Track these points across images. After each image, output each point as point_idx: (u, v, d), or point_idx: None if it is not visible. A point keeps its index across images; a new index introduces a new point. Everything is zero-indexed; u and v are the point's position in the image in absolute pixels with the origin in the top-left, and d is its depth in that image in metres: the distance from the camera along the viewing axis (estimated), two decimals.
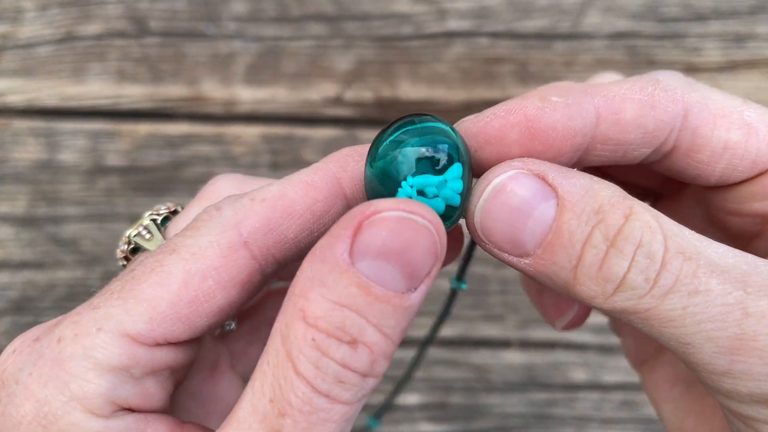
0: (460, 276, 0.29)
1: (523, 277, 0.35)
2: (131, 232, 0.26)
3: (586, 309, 0.31)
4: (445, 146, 0.21)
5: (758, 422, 0.21)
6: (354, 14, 0.49)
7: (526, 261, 0.21)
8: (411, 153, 0.21)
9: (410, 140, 0.21)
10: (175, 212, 0.27)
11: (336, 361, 0.19)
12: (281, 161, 0.49)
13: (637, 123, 0.23)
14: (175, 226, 0.26)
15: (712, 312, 0.20)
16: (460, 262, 0.29)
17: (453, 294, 0.30)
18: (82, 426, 0.20)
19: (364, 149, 0.23)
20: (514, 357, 0.50)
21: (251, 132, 0.49)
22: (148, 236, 0.26)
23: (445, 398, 0.51)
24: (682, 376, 0.29)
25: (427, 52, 0.49)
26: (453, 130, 0.22)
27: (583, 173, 0.22)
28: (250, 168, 0.49)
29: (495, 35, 0.49)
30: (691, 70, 0.49)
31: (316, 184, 0.23)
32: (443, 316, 0.31)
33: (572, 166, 0.24)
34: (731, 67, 0.48)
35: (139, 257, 0.25)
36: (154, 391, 0.22)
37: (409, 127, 0.22)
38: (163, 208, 0.27)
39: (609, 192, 0.21)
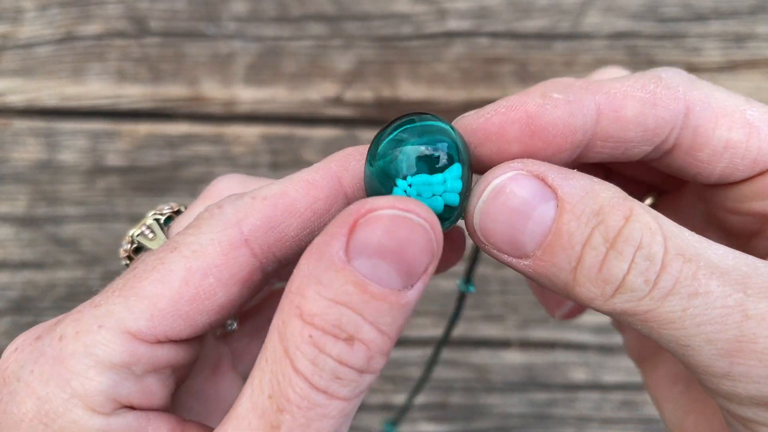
0: (468, 278, 0.29)
1: None
2: (134, 231, 0.26)
3: None
4: (445, 145, 0.21)
5: (758, 424, 0.21)
6: (354, 14, 0.49)
7: (526, 262, 0.21)
8: (410, 152, 0.21)
9: (410, 139, 0.21)
10: (178, 212, 0.28)
11: (333, 357, 0.19)
12: (281, 161, 0.49)
13: (638, 121, 0.23)
14: (178, 225, 0.27)
15: (711, 314, 0.20)
16: (467, 264, 0.28)
17: (462, 297, 0.30)
18: (84, 423, 0.20)
19: (365, 149, 0.23)
20: (514, 357, 0.50)
21: (251, 132, 0.49)
22: (151, 236, 0.26)
23: (445, 398, 0.51)
24: (682, 374, 0.29)
25: (427, 52, 0.49)
26: (453, 129, 0.22)
27: (583, 174, 0.22)
28: (250, 168, 0.49)
29: (495, 35, 0.49)
30: (691, 70, 0.49)
31: (317, 182, 0.23)
32: (454, 319, 0.31)
33: (572, 162, 0.24)
34: (731, 67, 0.48)
35: (142, 256, 0.25)
36: (156, 389, 0.22)
37: (408, 126, 0.22)
38: (166, 208, 0.27)
39: (609, 193, 0.21)
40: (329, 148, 0.49)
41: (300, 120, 0.49)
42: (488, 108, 0.23)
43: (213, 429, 0.21)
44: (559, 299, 0.32)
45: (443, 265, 0.28)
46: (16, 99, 0.49)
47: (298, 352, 0.19)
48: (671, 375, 0.29)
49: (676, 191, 0.30)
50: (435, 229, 0.20)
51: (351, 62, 0.49)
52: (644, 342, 0.31)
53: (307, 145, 0.49)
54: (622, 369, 0.50)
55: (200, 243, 0.22)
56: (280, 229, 0.22)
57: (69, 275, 0.49)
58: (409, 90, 0.49)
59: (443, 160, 0.21)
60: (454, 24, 0.48)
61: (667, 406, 0.29)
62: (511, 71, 0.49)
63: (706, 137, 0.23)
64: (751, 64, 0.48)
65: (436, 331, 0.50)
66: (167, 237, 0.26)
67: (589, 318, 0.49)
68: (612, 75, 0.28)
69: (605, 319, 0.49)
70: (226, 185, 0.27)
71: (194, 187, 0.49)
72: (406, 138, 0.21)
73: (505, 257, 0.22)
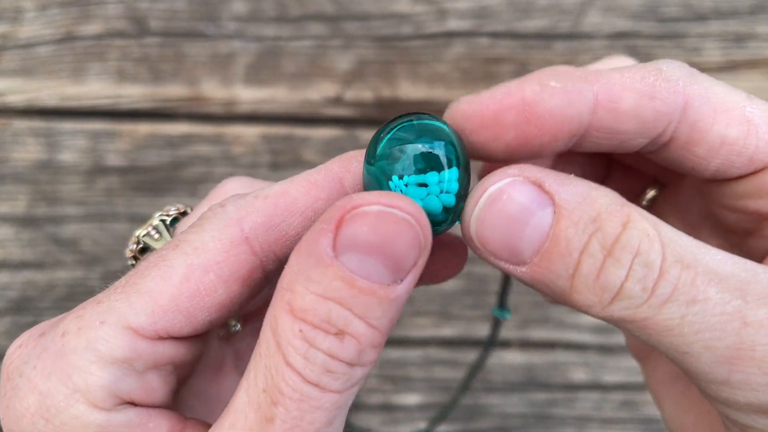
0: (502, 304, 0.29)
1: None
2: (140, 232, 0.27)
3: None
4: (442, 145, 0.21)
5: (756, 431, 0.21)
6: (354, 14, 0.49)
7: (523, 269, 0.21)
8: (407, 152, 0.21)
9: (407, 139, 0.21)
10: (184, 213, 0.28)
11: (323, 351, 0.19)
12: (281, 161, 0.49)
13: (635, 113, 0.23)
14: (184, 226, 0.27)
15: (710, 321, 0.20)
16: (499, 289, 0.28)
17: (497, 323, 0.30)
18: (85, 418, 0.20)
19: None
20: (514, 357, 0.50)
21: (251, 132, 0.49)
22: (156, 236, 0.27)
23: (445, 398, 0.51)
24: (683, 373, 0.29)
25: (427, 52, 0.49)
26: (451, 129, 0.22)
27: (581, 180, 0.21)
28: (250, 168, 0.49)
29: (495, 35, 0.49)
30: None
31: (318, 182, 0.23)
32: (489, 346, 0.31)
33: (568, 152, 0.24)
34: (731, 67, 0.48)
35: (147, 256, 0.25)
36: (157, 386, 0.22)
37: (406, 126, 0.22)
38: (172, 209, 0.28)
39: (606, 199, 0.21)
40: (329, 148, 0.49)
41: (300, 120, 0.49)
42: (485, 93, 0.23)
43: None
44: None
45: (444, 275, 0.28)
46: (16, 99, 0.49)
47: (289, 346, 0.19)
48: (671, 373, 0.29)
49: (676, 184, 0.30)
50: (421, 223, 0.20)
51: (351, 62, 0.49)
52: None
53: (307, 145, 0.49)
54: (622, 369, 0.50)
55: (201, 240, 0.22)
56: (280, 227, 0.23)
57: (69, 275, 0.49)
58: (409, 90, 0.49)
59: (440, 160, 0.21)
60: (454, 24, 0.48)
61: (667, 404, 0.29)
62: (511, 71, 0.49)
63: (703, 132, 0.23)
64: (752, 64, 0.48)
65: (436, 331, 0.50)
66: (172, 237, 0.27)
67: (589, 318, 0.49)
68: (616, 64, 0.28)
69: None
70: (232, 187, 0.28)
71: (194, 187, 0.49)
72: (403, 138, 0.21)
73: (502, 264, 0.22)
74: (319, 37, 0.49)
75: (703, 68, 0.49)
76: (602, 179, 0.32)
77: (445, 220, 0.22)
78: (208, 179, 0.49)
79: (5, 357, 0.22)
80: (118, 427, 0.21)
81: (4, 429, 0.21)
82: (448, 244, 0.28)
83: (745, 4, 0.48)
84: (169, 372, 0.23)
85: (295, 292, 0.19)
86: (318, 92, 0.49)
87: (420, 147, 0.21)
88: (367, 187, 0.23)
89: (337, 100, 0.49)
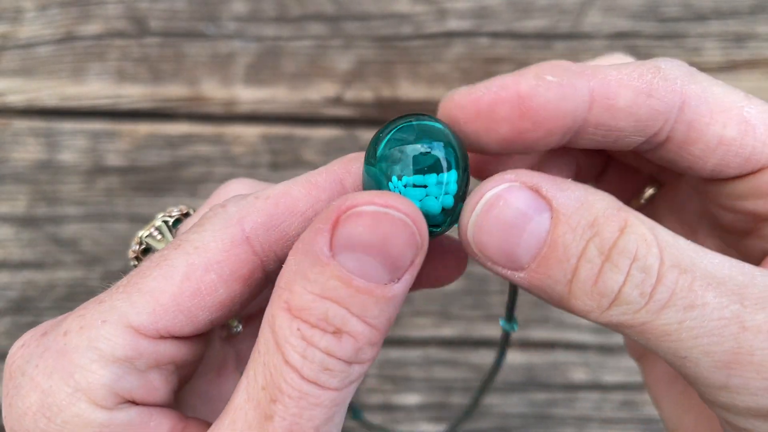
0: (510, 316, 0.29)
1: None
2: (143, 233, 0.27)
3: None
4: (441, 147, 0.21)
5: None
6: (354, 14, 0.49)
7: (521, 275, 0.21)
8: (406, 152, 0.21)
9: (406, 140, 0.21)
10: (187, 215, 0.28)
11: (321, 349, 0.19)
12: (281, 161, 0.49)
13: (631, 110, 0.22)
14: (186, 227, 0.27)
15: (708, 326, 0.19)
16: (507, 301, 0.28)
17: (506, 336, 0.30)
18: (86, 417, 0.21)
19: None
20: (514, 357, 0.50)
21: (251, 132, 0.49)
22: (159, 237, 0.27)
23: (445, 398, 0.51)
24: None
25: (427, 52, 0.49)
26: (450, 130, 0.22)
27: (578, 184, 0.21)
28: (250, 168, 0.49)
29: (495, 35, 0.49)
30: None
31: (319, 184, 0.23)
32: (499, 360, 0.31)
33: (564, 148, 0.24)
34: (731, 67, 0.48)
35: (149, 256, 0.25)
36: (159, 385, 0.22)
37: (406, 127, 0.22)
38: (175, 210, 0.28)
39: (604, 204, 0.21)
40: (329, 148, 0.49)
41: (300, 120, 0.49)
42: (480, 85, 0.22)
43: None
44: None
45: (445, 279, 0.29)
46: (16, 99, 0.49)
47: (287, 345, 0.19)
48: (670, 373, 0.29)
49: (674, 184, 0.30)
50: (417, 223, 0.20)
51: (351, 62, 0.49)
52: None
53: (307, 145, 0.49)
54: (622, 369, 0.50)
55: (203, 240, 0.22)
56: (281, 228, 0.23)
57: (69, 275, 0.49)
58: (409, 90, 0.49)
59: (439, 161, 0.21)
60: (454, 24, 0.48)
61: (665, 404, 0.29)
62: (512, 71, 0.49)
63: (700, 132, 0.23)
64: (752, 64, 0.48)
65: (436, 331, 0.50)
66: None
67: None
68: (615, 62, 0.28)
69: None
70: (234, 188, 0.28)
71: (194, 187, 0.49)
72: (403, 139, 0.22)
73: (499, 269, 0.22)
74: (319, 37, 0.49)
75: (703, 68, 0.49)
76: (598, 177, 0.32)
77: (443, 222, 0.22)
78: (208, 179, 0.49)
79: (8, 356, 0.22)
80: (120, 425, 0.21)
81: (6, 427, 0.21)
82: (448, 248, 0.28)
83: (745, 4, 0.48)
84: (171, 371, 0.23)
85: (292, 291, 0.19)
86: (318, 92, 0.49)
87: (419, 148, 0.21)
88: (366, 187, 0.23)
89: (337, 100, 0.49)
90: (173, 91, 0.49)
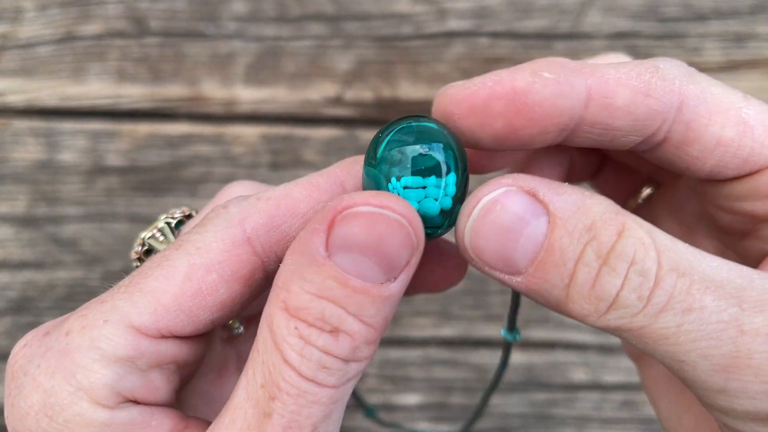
0: (512, 326, 0.29)
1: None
2: (146, 234, 0.27)
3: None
4: (441, 148, 0.21)
5: None
6: (354, 14, 0.49)
7: (518, 279, 0.21)
8: (406, 154, 0.21)
9: (407, 141, 0.22)
10: (189, 216, 0.28)
11: (318, 348, 0.19)
12: (281, 161, 0.49)
13: (628, 110, 0.22)
14: (188, 228, 0.27)
15: (707, 329, 0.19)
16: (509, 311, 0.28)
17: (508, 346, 0.30)
18: (88, 416, 0.21)
19: None
20: (514, 357, 0.50)
21: (251, 132, 0.49)
22: (161, 238, 0.27)
23: (445, 398, 0.51)
24: None
25: (427, 52, 0.49)
26: (450, 132, 0.22)
27: (575, 188, 0.21)
28: (250, 168, 0.49)
29: (495, 35, 0.49)
30: None
31: (321, 185, 0.23)
32: (501, 369, 0.31)
33: (559, 146, 0.24)
34: (732, 67, 0.48)
35: (151, 257, 0.25)
36: (160, 384, 0.23)
37: (406, 129, 0.22)
38: (177, 212, 0.28)
39: (601, 207, 0.21)
40: (329, 148, 0.49)
41: (300, 120, 0.49)
42: (476, 80, 0.22)
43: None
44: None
45: (445, 284, 0.29)
46: (16, 99, 0.49)
47: (285, 343, 0.19)
48: (667, 374, 0.29)
49: (672, 184, 0.30)
50: (413, 223, 0.20)
51: (351, 62, 0.49)
52: None
53: (307, 145, 0.49)
54: (622, 369, 0.50)
55: (204, 240, 0.22)
56: (282, 229, 0.23)
57: (69, 275, 0.49)
58: (409, 90, 0.49)
59: (438, 163, 0.21)
60: (454, 24, 0.48)
61: (663, 404, 0.29)
62: None
63: (698, 133, 0.23)
64: (752, 64, 0.48)
65: (436, 331, 0.50)
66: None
67: None
68: (614, 61, 0.28)
69: None
70: (237, 190, 0.28)
71: (194, 187, 0.49)
72: (402, 140, 0.22)
73: (496, 274, 0.22)
74: (319, 37, 0.49)
75: (703, 68, 0.49)
76: (593, 176, 0.31)
77: (442, 224, 0.22)
78: (208, 179, 0.49)
79: (10, 356, 0.23)
80: (121, 424, 0.21)
81: (8, 427, 0.22)
82: (448, 253, 0.28)
83: (745, 4, 0.48)
84: (172, 371, 0.23)
85: (289, 290, 0.20)
86: (318, 92, 0.49)
87: (419, 150, 0.21)
88: (366, 188, 0.23)
89: (337, 100, 0.49)
90: (173, 91, 0.49)
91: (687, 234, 0.29)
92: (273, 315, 0.20)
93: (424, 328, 0.50)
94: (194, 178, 0.49)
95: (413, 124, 0.22)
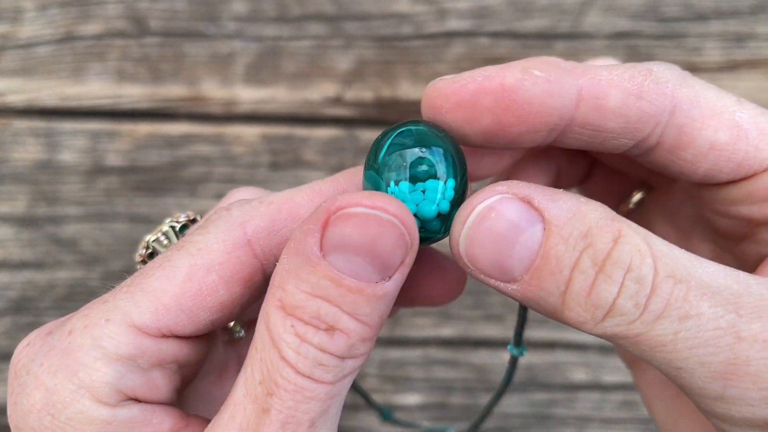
0: (518, 341, 0.29)
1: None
2: (150, 237, 0.27)
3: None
4: (440, 152, 0.22)
5: None
6: (354, 14, 0.49)
7: (514, 287, 0.21)
8: (405, 158, 0.22)
9: (406, 145, 0.22)
10: (194, 221, 0.28)
11: (314, 346, 0.20)
12: (281, 161, 0.49)
13: (620, 112, 0.22)
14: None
15: (704, 336, 0.19)
16: (516, 326, 0.28)
17: (514, 362, 0.30)
18: (90, 414, 0.21)
19: None
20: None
21: (251, 132, 0.49)
22: (165, 242, 0.27)
23: (445, 398, 0.51)
24: None
25: (427, 52, 0.49)
26: (449, 137, 0.22)
27: (570, 194, 0.21)
28: (250, 168, 0.49)
29: (495, 35, 0.49)
30: (691, 70, 0.48)
31: (323, 192, 0.24)
32: (506, 384, 0.31)
33: (549, 147, 0.24)
34: (732, 66, 0.48)
35: (154, 258, 0.26)
36: (161, 383, 0.23)
37: (406, 133, 0.22)
38: (182, 216, 0.28)
39: (597, 214, 0.20)
40: (329, 148, 0.49)
41: (300, 120, 0.49)
42: (466, 74, 0.22)
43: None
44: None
45: (443, 299, 0.29)
46: (16, 99, 0.49)
47: (282, 341, 0.20)
48: (662, 378, 0.29)
49: (666, 187, 0.29)
50: (407, 224, 0.20)
51: (351, 62, 0.49)
52: None
53: (307, 145, 0.49)
54: (622, 369, 0.50)
55: (205, 242, 0.23)
56: (282, 233, 0.23)
57: (69, 275, 0.49)
58: (409, 90, 0.49)
59: (437, 167, 0.21)
60: (454, 24, 0.48)
61: (659, 408, 0.29)
62: None
63: (692, 137, 0.23)
64: (752, 64, 0.48)
65: (436, 331, 0.50)
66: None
67: None
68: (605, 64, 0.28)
69: None
70: (240, 196, 0.28)
71: (194, 187, 0.49)
72: (402, 144, 0.22)
73: (492, 281, 0.22)
74: (319, 37, 0.49)
75: (704, 68, 0.49)
76: (582, 181, 0.31)
77: (440, 228, 0.22)
78: (208, 179, 0.49)
79: (13, 355, 0.23)
80: (122, 422, 0.21)
81: (11, 425, 0.22)
82: (446, 267, 0.28)
83: (745, 4, 0.48)
84: (174, 370, 0.23)
85: (285, 289, 0.20)
86: (318, 92, 0.49)
87: (418, 154, 0.21)
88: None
89: (337, 100, 0.49)
90: (173, 91, 0.49)
91: (682, 237, 0.28)
92: (270, 313, 0.20)
93: (424, 328, 0.50)
94: (194, 178, 0.49)
95: (413, 128, 0.22)
